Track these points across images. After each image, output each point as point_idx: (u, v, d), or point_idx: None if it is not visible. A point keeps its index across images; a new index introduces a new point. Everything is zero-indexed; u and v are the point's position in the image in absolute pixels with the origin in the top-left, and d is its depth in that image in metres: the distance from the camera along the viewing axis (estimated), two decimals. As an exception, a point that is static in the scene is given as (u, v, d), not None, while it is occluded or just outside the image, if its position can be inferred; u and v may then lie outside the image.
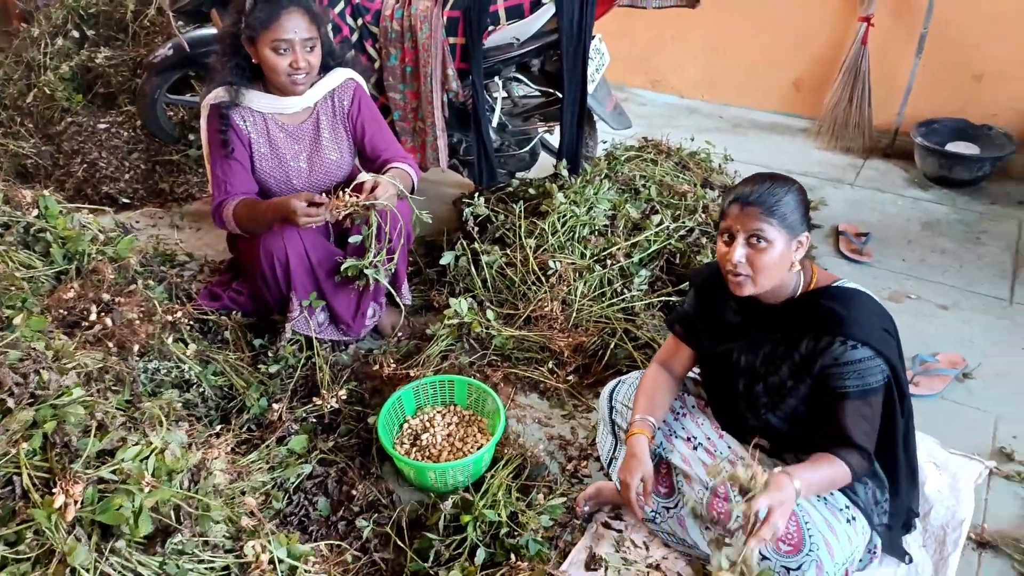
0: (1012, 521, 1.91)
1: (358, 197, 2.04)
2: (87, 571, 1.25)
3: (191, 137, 3.48)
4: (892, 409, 1.57)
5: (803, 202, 1.55)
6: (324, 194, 2.08)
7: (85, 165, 3.26)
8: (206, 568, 1.43)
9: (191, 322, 2.18)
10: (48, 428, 1.29)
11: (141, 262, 2.31)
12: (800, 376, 1.59)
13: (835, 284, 1.63)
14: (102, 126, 3.42)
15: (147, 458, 1.41)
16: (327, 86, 2.25)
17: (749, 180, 1.58)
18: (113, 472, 1.34)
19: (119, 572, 1.30)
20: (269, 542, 1.51)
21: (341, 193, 2.03)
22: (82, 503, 1.29)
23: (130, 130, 3.45)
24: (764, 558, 1.56)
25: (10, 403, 1.29)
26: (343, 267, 2.21)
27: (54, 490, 1.26)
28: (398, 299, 2.40)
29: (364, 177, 2.14)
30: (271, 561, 1.49)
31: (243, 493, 1.59)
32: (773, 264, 1.53)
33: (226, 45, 2.11)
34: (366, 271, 2.19)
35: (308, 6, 2.07)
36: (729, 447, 1.78)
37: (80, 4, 3.67)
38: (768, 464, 1.62)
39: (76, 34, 3.65)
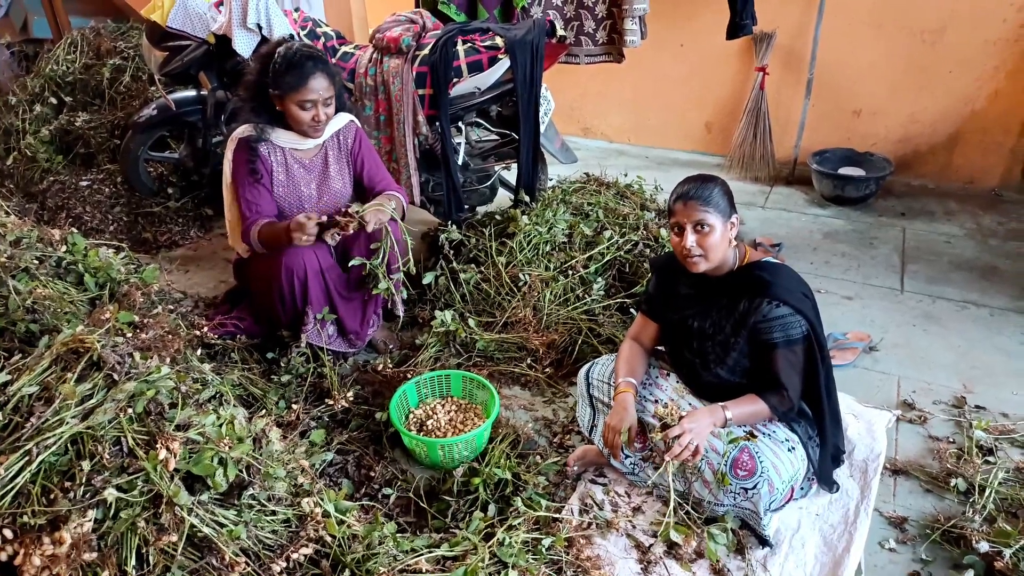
0: (916, 453, 2.34)
1: (351, 217, 2.39)
2: (188, 513, 1.50)
3: (169, 190, 3.73)
4: (813, 358, 2.00)
5: (728, 192, 1.98)
6: (325, 217, 2.41)
7: (70, 220, 3.45)
8: (271, 519, 1.69)
9: (213, 339, 2.42)
10: (148, 396, 1.55)
11: (156, 292, 2.54)
12: (738, 331, 2.00)
13: (764, 260, 2.06)
14: (84, 183, 3.63)
15: (221, 426, 1.67)
16: (334, 127, 2.61)
17: (684, 182, 2.00)
18: (198, 435, 1.60)
19: (208, 520, 1.56)
20: (322, 498, 1.78)
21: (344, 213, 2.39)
22: (177, 458, 1.54)
23: (111, 186, 3.67)
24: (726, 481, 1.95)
25: (115, 377, 1.55)
26: (369, 266, 2.53)
27: (156, 446, 1.51)
28: (395, 311, 2.71)
29: (357, 207, 2.47)
30: (324, 514, 1.76)
31: (296, 461, 1.85)
32: (717, 243, 1.95)
33: (252, 92, 2.45)
34: (380, 276, 2.53)
35: (328, 69, 2.43)
36: (690, 404, 2.17)
37: (57, 73, 3.91)
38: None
39: (54, 101, 3.87)
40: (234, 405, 1.77)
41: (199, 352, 2.44)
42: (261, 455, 1.73)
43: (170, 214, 3.68)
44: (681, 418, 1.93)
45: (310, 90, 2.38)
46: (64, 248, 2.35)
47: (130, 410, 1.53)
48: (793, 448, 2.02)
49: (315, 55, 2.42)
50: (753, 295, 1.98)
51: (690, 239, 1.92)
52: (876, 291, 3.25)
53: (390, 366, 2.70)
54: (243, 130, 2.52)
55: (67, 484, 1.44)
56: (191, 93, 3.43)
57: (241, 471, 1.65)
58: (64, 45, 4.01)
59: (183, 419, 1.65)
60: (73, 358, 1.61)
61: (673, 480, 2.04)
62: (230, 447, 1.63)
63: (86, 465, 1.44)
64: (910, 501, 2.16)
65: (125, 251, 2.59)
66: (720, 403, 1.96)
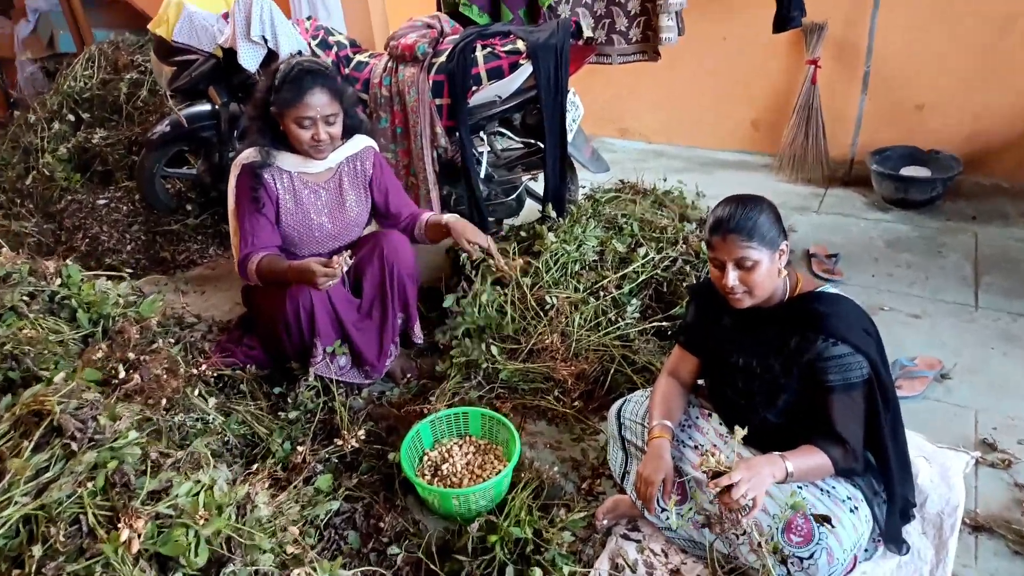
0: (1002, 505, 2.03)
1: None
2: (154, 600, 1.32)
3: (188, 207, 3.62)
4: (875, 404, 1.72)
5: (776, 217, 1.71)
6: (336, 254, 2.23)
7: (87, 239, 3.37)
8: (257, 597, 1.51)
9: (212, 375, 2.26)
10: (110, 468, 1.37)
11: (159, 323, 2.40)
12: (789, 371, 1.74)
13: (819, 290, 1.79)
14: (101, 202, 3.55)
15: (198, 494, 1.49)
16: (348, 150, 2.44)
17: (723, 205, 1.72)
18: (169, 508, 1.42)
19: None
20: (314, 569, 1.59)
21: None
22: (142, 538, 1.37)
23: (129, 204, 3.58)
24: (777, 550, 1.69)
25: (73, 447, 1.38)
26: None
27: (118, 526, 1.34)
28: (412, 338, 2.53)
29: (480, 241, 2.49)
30: (317, 587, 1.57)
31: (284, 530, 1.66)
32: (764, 279, 1.69)
33: (257, 110, 2.29)
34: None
35: (331, 85, 2.25)
36: (734, 451, 1.91)
37: (75, 90, 3.83)
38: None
39: (72, 118, 3.80)
40: (214, 466, 1.58)
41: (205, 386, 2.30)
42: (245, 523, 1.54)
43: (188, 232, 3.57)
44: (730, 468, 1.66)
45: (307, 106, 2.20)
46: (59, 281, 2.22)
47: (91, 484, 1.36)
48: (856, 508, 1.74)
49: (315, 69, 2.24)
50: (806, 330, 1.71)
51: (732, 277, 1.67)
52: (946, 308, 2.92)
53: (408, 395, 2.53)
54: (247, 155, 2.36)
55: (15, 573, 1.27)
56: (205, 108, 3.30)
57: (221, 546, 1.47)
58: (82, 60, 3.94)
59: (158, 486, 1.48)
60: (34, 422, 1.45)
61: (741, 543, 1.77)
62: (206, 520, 1.45)
63: (37, 550, 1.28)
64: (995, 565, 1.86)
65: (126, 279, 2.46)
66: (779, 452, 1.69)
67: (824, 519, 1.67)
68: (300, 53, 2.75)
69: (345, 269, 2.23)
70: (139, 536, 1.34)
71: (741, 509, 1.56)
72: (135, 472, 1.45)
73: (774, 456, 1.66)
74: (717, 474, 1.62)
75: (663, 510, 1.94)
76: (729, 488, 1.56)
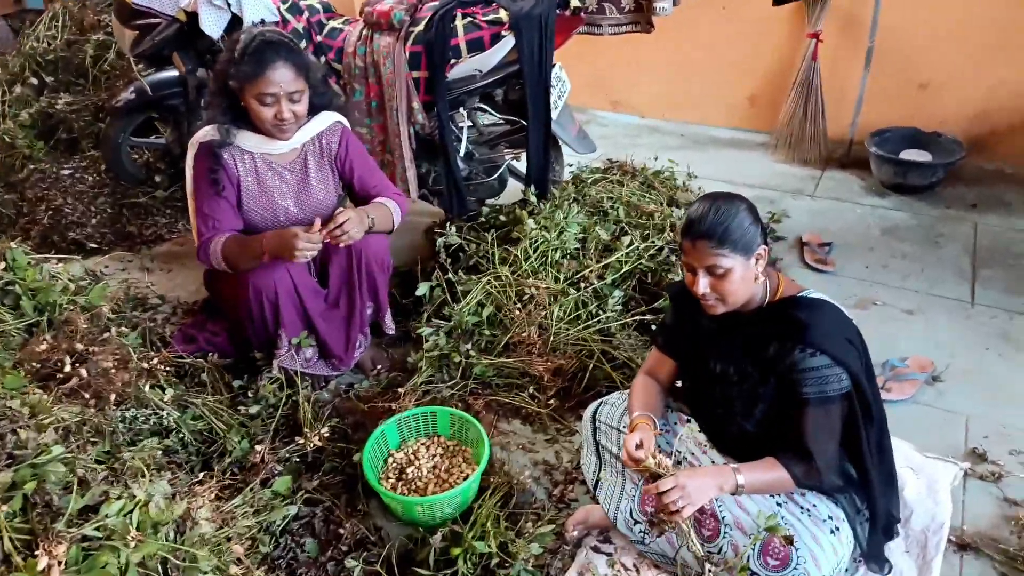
0: (990, 521, 1.94)
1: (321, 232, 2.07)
2: (75, 634, 1.23)
3: (157, 179, 3.46)
4: (855, 419, 1.61)
5: (752, 219, 1.57)
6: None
7: (50, 212, 3.21)
8: (195, 622, 1.41)
9: (167, 367, 2.15)
10: (28, 489, 1.27)
11: (113, 308, 2.28)
12: (767, 379, 1.63)
13: (801, 294, 1.67)
14: (66, 172, 3.38)
15: (131, 512, 1.39)
16: (314, 129, 2.27)
17: (697, 204, 1.59)
18: (97, 529, 1.32)
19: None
20: (259, 590, 1.50)
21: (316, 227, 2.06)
22: (66, 564, 1.26)
23: (95, 174, 3.42)
24: (753, 574, 1.60)
25: (-12, 466, 1.27)
26: None
27: (36, 552, 1.23)
28: (384, 328, 2.43)
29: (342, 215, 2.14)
30: (262, 610, 1.48)
31: (228, 540, 1.56)
32: (737, 286, 1.57)
33: (217, 86, 2.12)
34: None
35: (295, 59, 2.08)
36: (712, 461, 1.81)
37: (37, 51, 3.64)
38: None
39: (35, 81, 3.61)
40: (151, 480, 1.47)
41: (164, 370, 2.18)
42: (184, 543, 1.44)
43: (157, 204, 3.41)
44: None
45: (269, 81, 2.03)
46: (2, 265, 2.09)
47: (6, 507, 1.25)
48: (837, 528, 1.65)
49: (279, 42, 2.07)
50: (784, 338, 1.60)
51: (702, 284, 1.56)
52: (942, 303, 2.80)
53: (377, 388, 2.42)
54: (205, 133, 2.20)
55: (-81, 607, 1.17)
56: (172, 74, 3.11)
57: (156, 569, 1.37)
58: (46, 19, 3.73)
59: (91, 501, 1.37)
60: (-52, 436, 1.33)
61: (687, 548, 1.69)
62: (139, 541, 1.34)
63: (-57, 583, 1.18)
64: (981, 587, 1.79)
65: (79, 261, 2.32)
66: (732, 465, 1.61)
67: (787, 540, 1.58)
68: (263, 21, 2.57)
69: (325, 240, 2.09)
70: (60, 563, 1.24)
71: (673, 514, 1.51)
72: (61, 490, 1.34)
73: (726, 468, 1.59)
74: (656, 476, 1.56)
75: (636, 523, 1.85)
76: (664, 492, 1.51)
